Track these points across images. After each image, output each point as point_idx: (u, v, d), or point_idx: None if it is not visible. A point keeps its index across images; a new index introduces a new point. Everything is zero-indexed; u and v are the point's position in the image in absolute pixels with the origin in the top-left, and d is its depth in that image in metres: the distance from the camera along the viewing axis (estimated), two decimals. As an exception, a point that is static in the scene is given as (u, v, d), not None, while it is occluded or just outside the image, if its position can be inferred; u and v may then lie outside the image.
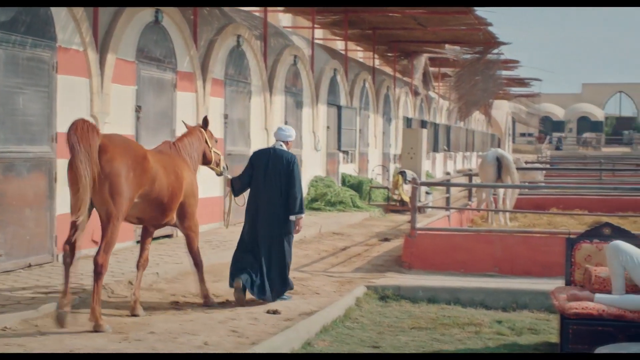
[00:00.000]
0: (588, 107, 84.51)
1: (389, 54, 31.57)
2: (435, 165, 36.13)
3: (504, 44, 29.94)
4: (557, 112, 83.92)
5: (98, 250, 7.75)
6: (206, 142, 9.42)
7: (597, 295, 7.23)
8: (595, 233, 8.01)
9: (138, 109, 13.15)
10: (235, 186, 9.58)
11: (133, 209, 8.12)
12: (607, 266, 7.57)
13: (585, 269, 7.73)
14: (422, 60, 34.25)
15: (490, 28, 26.78)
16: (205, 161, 9.49)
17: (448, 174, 36.71)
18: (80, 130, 7.44)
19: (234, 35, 16.64)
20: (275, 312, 8.84)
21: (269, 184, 9.34)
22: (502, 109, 60.02)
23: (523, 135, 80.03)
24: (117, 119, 12.53)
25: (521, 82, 45.42)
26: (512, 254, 11.98)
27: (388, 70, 33.03)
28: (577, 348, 7.17)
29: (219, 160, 9.60)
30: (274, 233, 9.35)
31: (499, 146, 58.01)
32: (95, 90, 11.99)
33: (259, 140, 17.46)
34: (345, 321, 8.66)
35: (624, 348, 6.24)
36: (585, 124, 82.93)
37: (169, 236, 13.89)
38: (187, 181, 8.81)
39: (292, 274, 11.55)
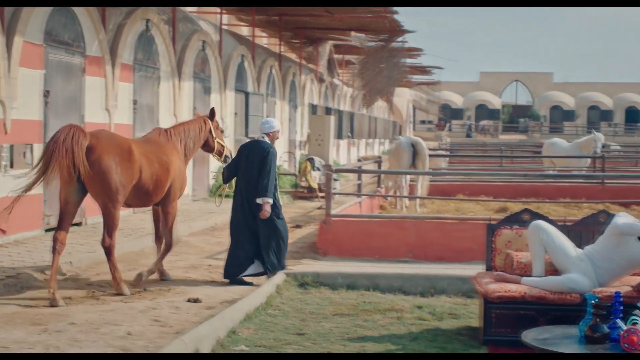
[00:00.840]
0: (486, 95, 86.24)
1: (295, 41, 31.52)
2: (339, 152, 36.32)
3: (408, 32, 30.24)
4: (456, 100, 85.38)
5: (103, 236, 8.86)
6: (211, 132, 10.07)
7: (524, 278, 7.40)
8: (515, 219, 8.17)
9: (46, 93, 12.79)
10: (224, 175, 10.27)
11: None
12: (527, 251, 7.75)
13: (506, 255, 7.88)
14: (327, 47, 34.35)
15: (395, 16, 26.99)
16: (209, 149, 10.25)
17: (360, 160, 36.98)
18: (65, 137, 8.32)
19: (143, 19, 16.33)
20: (196, 300, 8.74)
21: (248, 173, 9.90)
22: (404, 97, 60.69)
23: (423, 122, 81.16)
24: (24, 104, 12.17)
25: (423, 70, 46.02)
26: (425, 240, 12.12)
27: (294, 57, 33.00)
28: (500, 332, 7.33)
29: (222, 150, 10.25)
30: (257, 215, 9.84)
31: (399, 133, 58.79)
32: (2, 74, 11.60)
33: (168, 126, 17.18)
34: (267, 309, 8.63)
35: (548, 331, 6.37)
36: (483, 111, 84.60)
37: (78, 224, 13.56)
38: (174, 166, 9.43)
39: (209, 262, 11.52)
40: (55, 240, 8.58)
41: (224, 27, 24.00)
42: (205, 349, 6.85)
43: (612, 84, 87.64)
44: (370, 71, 33.43)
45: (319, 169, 22.28)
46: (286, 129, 28.60)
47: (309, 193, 22.20)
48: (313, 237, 13.95)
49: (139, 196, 9.23)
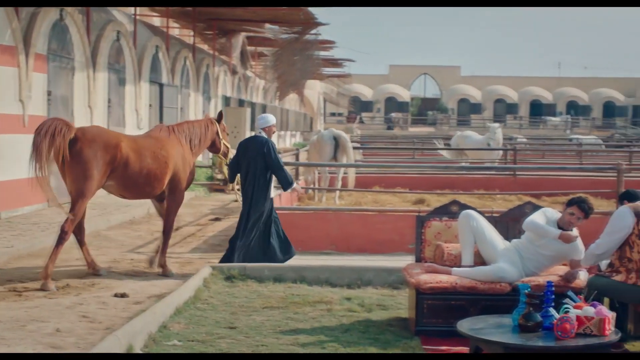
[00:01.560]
0: (395, 88, 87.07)
1: (208, 32, 31.23)
2: (252, 144, 36.11)
3: (322, 24, 30.26)
4: (366, 93, 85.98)
5: (66, 220, 9.13)
6: (218, 133, 10.47)
7: (454, 269, 7.51)
8: (444, 210, 8.28)
9: (-42, 84, 12.41)
10: (229, 173, 10.76)
11: (112, 189, 9.64)
12: (457, 242, 7.87)
13: (436, 246, 7.98)
14: (240, 39, 34.14)
15: (309, 8, 27.01)
16: (215, 150, 10.70)
17: (279, 153, 36.81)
18: (47, 129, 8.86)
19: (57, 8, 15.94)
20: (123, 295, 8.60)
21: (251, 168, 10.25)
22: (314, 89, 60.85)
23: (333, 115, 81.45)
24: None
25: (335, 62, 46.18)
26: (348, 232, 12.22)
27: (207, 48, 32.70)
28: (432, 322, 7.42)
29: (227, 151, 10.71)
30: (264, 208, 10.26)
31: (311, 126, 58.96)
32: None
33: (83, 119, 16.86)
34: (196, 302, 8.53)
35: (482, 321, 6.48)
36: (392, 104, 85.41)
37: (-8, 218, 13.22)
38: (175, 160, 9.80)
39: (131, 256, 11.35)
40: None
41: (137, 17, 23.62)
42: (138, 344, 6.73)
43: (517, 77, 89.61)
44: (284, 63, 33.40)
45: (235, 162, 22.15)
46: (200, 121, 28.33)
47: (224, 185, 22.06)
48: (234, 229, 13.88)
49: (130, 188, 9.63)
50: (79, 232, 9.76)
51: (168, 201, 10.10)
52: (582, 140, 38.08)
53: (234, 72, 34.25)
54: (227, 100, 31.82)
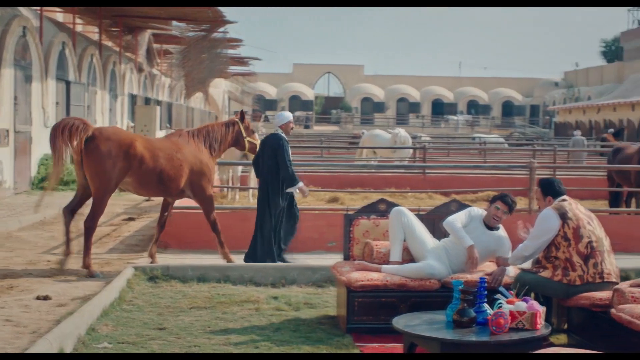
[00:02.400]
0: (299, 87, 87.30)
1: (114, 29, 30.75)
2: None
3: (230, 22, 30.13)
4: (270, 91, 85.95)
5: (87, 216, 9.83)
6: (241, 132, 10.83)
7: (384, 266, 7.59)
8: (372, 209, 8.36)
9: None
10: (254, 168, 11.07)
11: (128, 186, 10.14)
12: (385, 240, 7.95)
13: (365, 244, 8.04)
14: (146, 36, 33.72)
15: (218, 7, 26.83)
16: (241, 148, 11.07)
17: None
18: (63, 127, 9.58)
19: (-38, 2, 15.45)
20: (45, 297, 8.40)
21: (266, 165, 10.62)
22: (219, 88, 60.41)
23: (237, 113, 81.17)
24: None
25: (241, 60, 46.01)
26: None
27: (113, 45, 32.18)
28: (363, 320, 7.48)
29: (256, 148, 10.97)
30: (280, 203, 10.55)
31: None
32: None
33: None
34: (121, 304, 8.41)
35: (416, 317, 6.56)
36: (297, 102, 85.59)
37: None
38: (191, 163, 10.26)
39: (47, 257, 11.12)
40: (63, 214, 10.07)
41: (43, 12, 23.05)
42: (69, 347, 6.60)
43: (420, 77, 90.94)
44: (191, 61, 33.08)
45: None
46: (107, 120, 27.90)
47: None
48: (150, 229, 13.73)
49: (145, 186, 10.15)
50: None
51: (199, 203, 10.66)
52: (486, 139, 38.87)
53: (140, 69, 33.78)
54: (133, 98, 31.39)
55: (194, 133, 10.61)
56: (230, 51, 39.04)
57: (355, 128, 67.04)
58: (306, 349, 6.92)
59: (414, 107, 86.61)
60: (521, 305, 6.18)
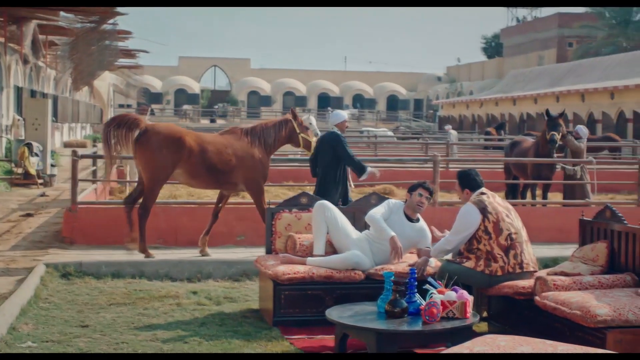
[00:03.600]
0: (185, 80, 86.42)
1: (-2, 19, 29.75)
2: (45, 137, 34.77)
3: (121, 14, 29.55)
4: (156, 84, 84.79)
5: (140, 204, 10.43)
6: (294, 129, 11.09)
7: (309, 259, 7.66)
8: (293, 202, 8.42)
9: None
10: (310, 166, 11.27)
11: (180, 177, 10.67)
12: (306, 233, 8.03)
13: (288, 237, 8.10)
14: (32, 27, 32.75)
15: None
16: (296, 145, 11.32)
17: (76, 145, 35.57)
18: (118, 122, 10.36)
19: None
20: (-43, 297, 8.13)
21: (323, 162, 10.83)
22: (105, 80, 59.33)
23: (122, 106, 79.64)
24: None
25: (129, 53, 45.23)
26: (175, 225, 12.08)
27: (-3, 36, 31.13)
28: (289, 312, 7.54)
29: (310, 145, 11.21)
30: (335, 199, 10.44)
31: (101, 118, 57.61)
32: None
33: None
34: (37, 302, 8.23)
35: (349, 309, 6.66)
36: (183, 96, 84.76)
37: None
38: (242, 158, 10.65)
39: (-50, 255, 10.71)
40: (124, 204, 10.75)
41: None
42: (-7, 347, 6.43)
43: (306, 70, 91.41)
44: (80, 53, 32.34)
45: (37, 155, 21.31)
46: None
47: (26, 179, 21.16)
48: (52, 225, 13.44)
49: (195, 177, 10.62)
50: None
51: (252, 196, 11.06)
52: (375, 132, 39.44)
53: (25, 61, 32.81)
54: (19, 91, 30.49)
55: (247, 130, 11.02)
56: (121, 44, 38.33)
57: (242, 122, 66.93)
58: (236, 342, 6.93)
59: (301, 101, 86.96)
60: (451, 294, 6.35)
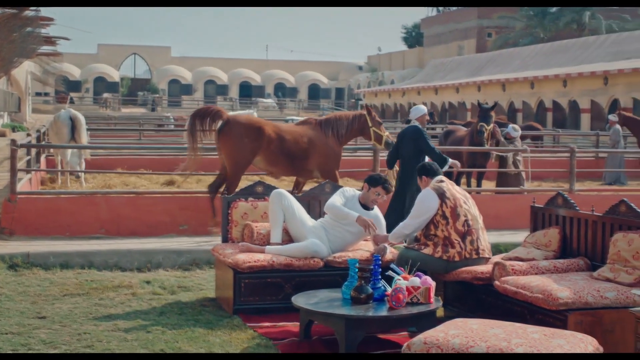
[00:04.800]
0: (104, 68, 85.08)
1: None
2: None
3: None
4: (74, 72, 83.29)
5: (225, 190, 10.97)
6: (366, 123, 11.65)
7: (268, 247, 7.72)
8: (249, 191, 8.46)
9: None
10: (388, 160, 11.50)
11: (260, 164, 11.36)
12: (263, 222, 8.09)
13: (245, 226, 8.14)
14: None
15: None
16: (367, 137, 11.92)
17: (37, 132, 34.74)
18: (203, 113, 11.05)
19: None
20: None
21: (404, 154, 11.08)
22: (22, 68, 58.08)
23: (39, 94, 78.19)
24: None
25: (49, 40, 44.32)
26: (118, 215, 11.98)
27: None
28: (249, 301, 7.60)
29: (381, 139, 11.78)
30: (413, 189, 10.48)
31: (19, 106, 56.52)
32: None
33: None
34: (-14, 294, 8.10)
35: (314, 296, 6.75)
36: (102, 84, 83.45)
37: None
38: (317, 147, 11.33)
39: None
40: (209, 191, 11.52)
41: None
42: (-45, 340, 6.33)
43: (228, 59, 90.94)
44: (1, 40, 31.58)
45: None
46: None
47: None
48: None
49: (274, 164, 11.29)
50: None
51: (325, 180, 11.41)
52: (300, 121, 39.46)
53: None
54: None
55: (321, 122, 11.66)
56: (43, 30, 37.56)
57: (163, 110, 66.35)
58: (200, 331, 6.96)
59: (222, 90, 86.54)
60: (415, 280, 6.50)
